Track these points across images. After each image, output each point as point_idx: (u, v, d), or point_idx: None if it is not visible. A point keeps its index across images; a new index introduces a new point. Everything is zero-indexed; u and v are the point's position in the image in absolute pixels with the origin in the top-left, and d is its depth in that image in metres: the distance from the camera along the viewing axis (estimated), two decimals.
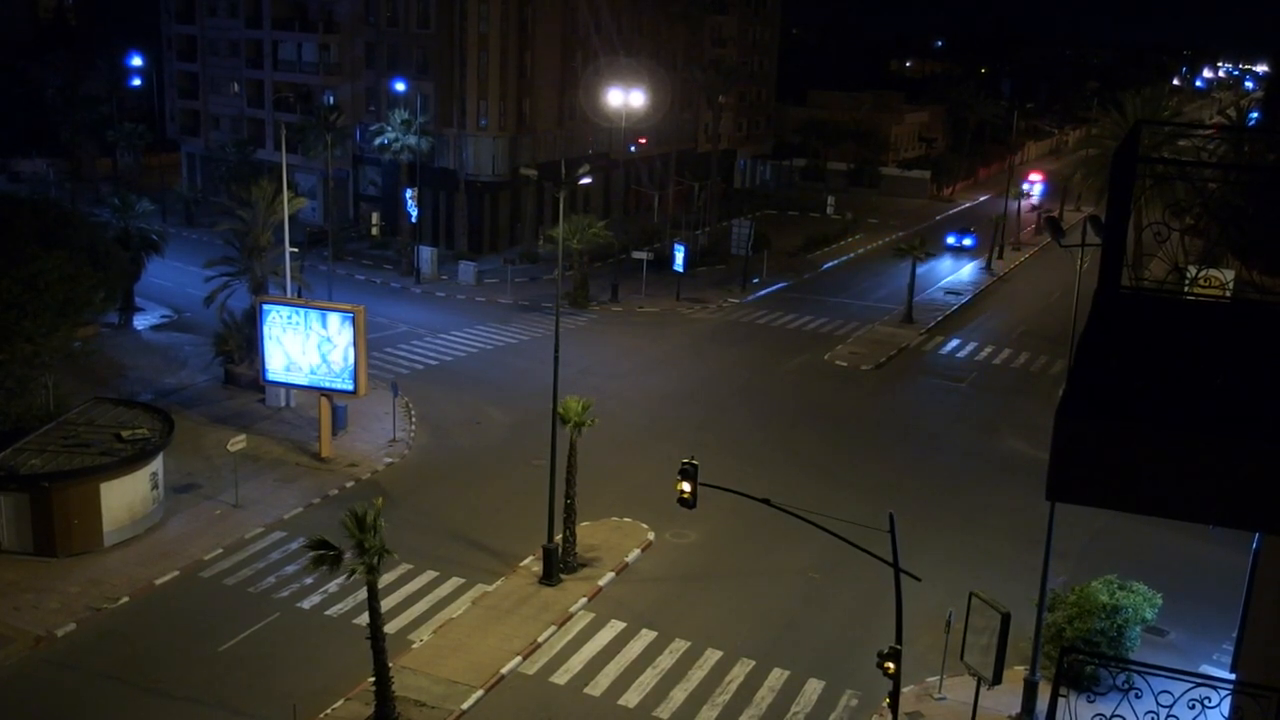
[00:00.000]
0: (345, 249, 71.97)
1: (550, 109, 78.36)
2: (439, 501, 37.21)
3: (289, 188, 46.65)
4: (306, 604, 30.48)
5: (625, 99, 68.91)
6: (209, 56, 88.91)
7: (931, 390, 51.71)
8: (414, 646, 28.52)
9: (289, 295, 44.53)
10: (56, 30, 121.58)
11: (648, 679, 27.69)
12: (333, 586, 30.64)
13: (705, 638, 29.46)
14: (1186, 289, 8.60)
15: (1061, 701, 8.72)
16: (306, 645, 28.59)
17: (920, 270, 65.33)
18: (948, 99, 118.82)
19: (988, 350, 57.76)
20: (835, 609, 31.23)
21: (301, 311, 39.56)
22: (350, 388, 39.31)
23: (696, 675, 27.88)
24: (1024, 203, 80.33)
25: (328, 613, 30.10)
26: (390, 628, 27.00)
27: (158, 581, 31.39)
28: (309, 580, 30.99)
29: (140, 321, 56.42)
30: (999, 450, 44.00)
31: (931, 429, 46.28)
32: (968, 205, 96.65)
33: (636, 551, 34.06)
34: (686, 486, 24.21)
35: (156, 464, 34.83)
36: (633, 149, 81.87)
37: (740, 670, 28.12)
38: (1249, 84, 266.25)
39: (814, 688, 27.42)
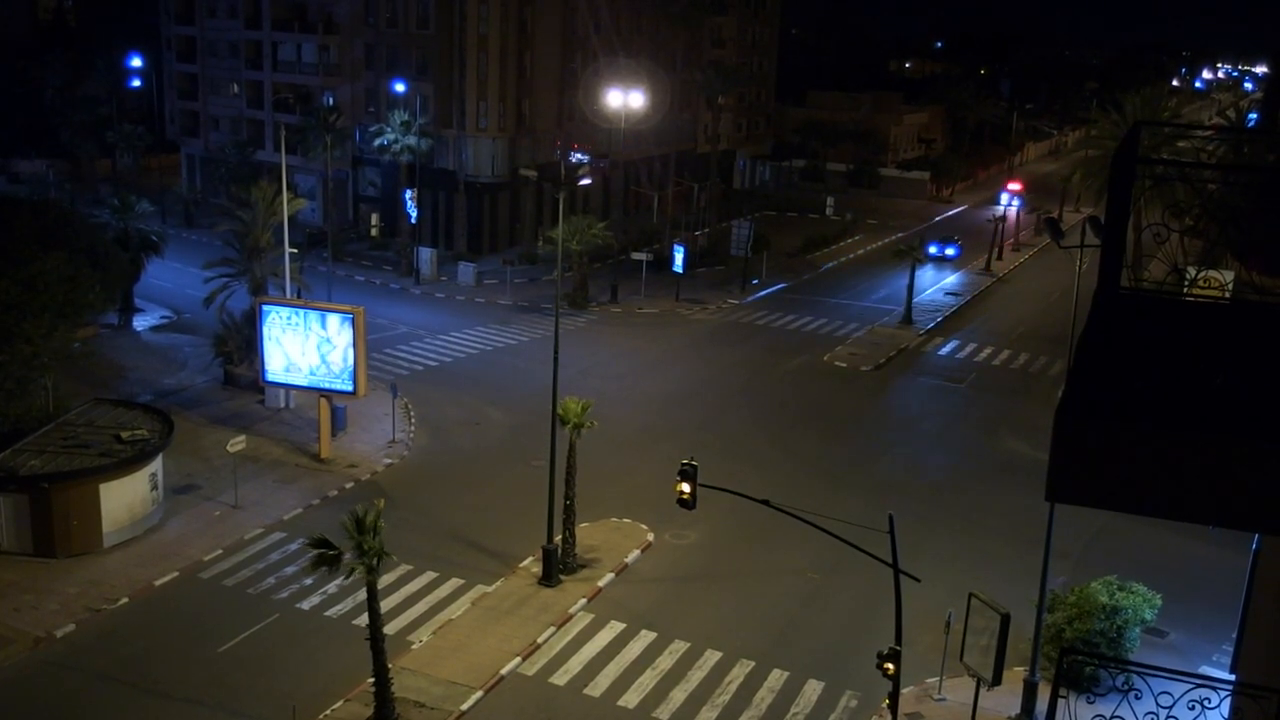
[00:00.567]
0: (345, 250, 71.95)
1: (550, 110, 78.37)
2: (438, 502, 37.20)
3: (288, 189, 46.66)
4: (306, 605, 30.47)
5: (625, 100, 68.93)
6: (208, 57, 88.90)
7: (931, 391, 51.71)
8: (413, 647, 28.52)
9: (288, 296, 44.52)
10: (56, 31, 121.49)
11: (647, 680, 27.69)
12: (332, 587, 30.62)
13: (705, 638, 29.47)
14: (1186, 290, 8.61)
15: (1061, 702, 8.72)
16: (306, 646, 28.59)
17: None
18: (947, 99, 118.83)
19: (987, 351, 57.76)
20: (835, 610, 31.23)
21: (301, 312, 39.55)
22: (350, 389, 39.31)
23: (696, 676, 27.88)
24: (999, 212, 80.00)
25: (327, 614, 30.10)
26: (390, 629, 27.00)
27: (157, 582, 31.39)
28: (308, 581, 30.99)
29: (140, 322, 56.41)
30: (998, 451, 44.00)
31: (931, 430, 46.29)
32: (952, 212, 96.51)
33: (636, 552, 34.06)
34: (686, 487, 24.21)
35: (156, 465, 34.83)
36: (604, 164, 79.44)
37: (740, 671, 28.12)
38: (1248, 85, 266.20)
39: (813, 688, 27.42)
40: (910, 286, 62.52)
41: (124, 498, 33.48)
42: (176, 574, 31.89)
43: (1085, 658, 19.80)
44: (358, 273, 68.99)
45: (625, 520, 36.10)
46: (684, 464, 24.51)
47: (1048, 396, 49.32)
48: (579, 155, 72.22)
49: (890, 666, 21.92)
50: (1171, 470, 6.79)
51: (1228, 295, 8.85)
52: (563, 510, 32.27)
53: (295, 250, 48.58)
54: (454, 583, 31.99)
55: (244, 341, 45.72)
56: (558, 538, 32.28)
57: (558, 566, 32.05)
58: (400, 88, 73.92)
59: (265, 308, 40.17)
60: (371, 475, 39.10)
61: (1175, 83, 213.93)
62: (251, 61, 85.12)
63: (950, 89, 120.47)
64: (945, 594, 28.91)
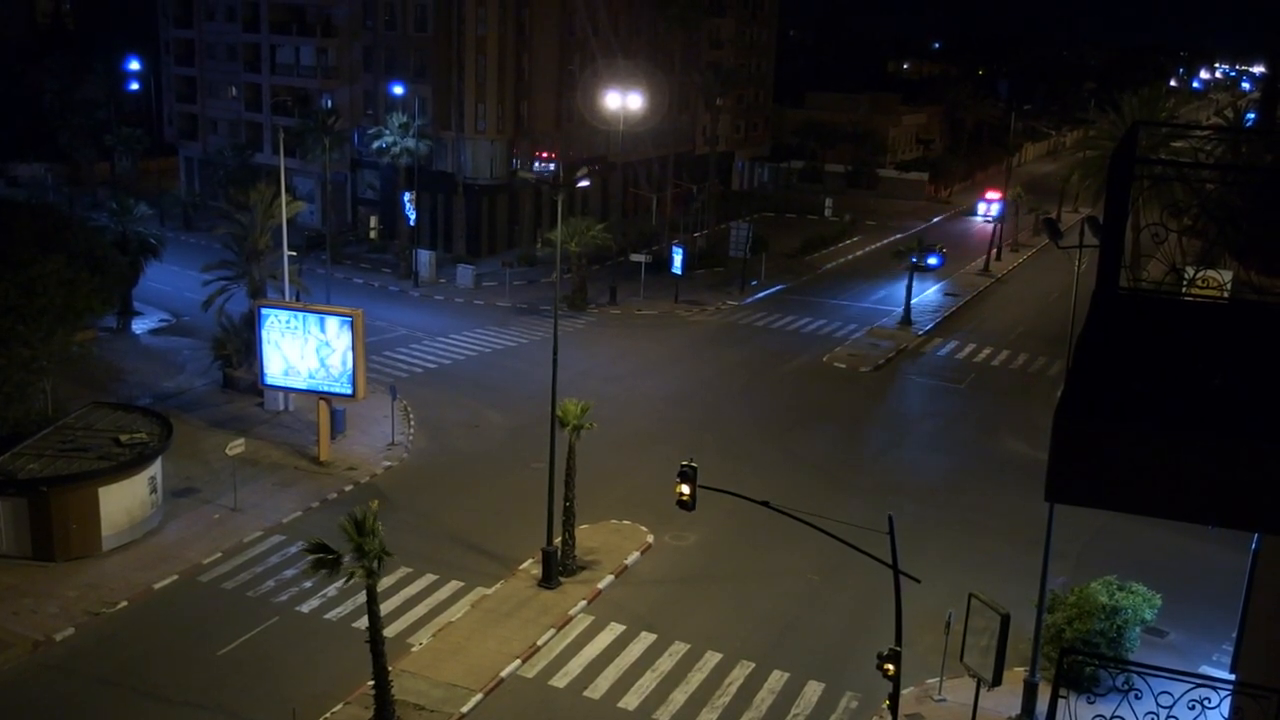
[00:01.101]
0: (343, 252, 71.95)
1: (548, 111, 78.35)
2: (438, 505, 37.18)
3: (287, 191, 46.65)
4: (305, 608, 30.45)
5: (623, 101, 68.91)
6: (207, 60, 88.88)
7: (930, 392, 51.73)
8: (413, 650, 28.51)
9: (287, 299, 44.51)
10: (54, 34, 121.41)
11: (647, 681, 27.67)
12: (332, 590, 30.60)
13: (705, 640, 29.45)
14: (1184, 290, 8.61)
15: (1061, 703, 8.71)
16: (306, 649, 28.57)
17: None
18: (945, 100, 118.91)
19: (986, 351, 57.77)
20: (835, 611, 31.22)
21: (300, 315, 39.52)
22: (349, 391, 39.28)
23: (696, 678, 27.86)
24: (983, 218, 79.95)
25: (327, 616, 30.08)
26: (389, 631, 26.97)
27: (156, 586, 31.36)
28: (308, 584, 30.96)
29: (138, 326, 56.40)
30: (998, 451, 44.00)
31: (930, 430, 46.29)
32: (937, 219, 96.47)
33: (636, 554, 34.04)
34: (685, 489, 24.20)
35: (155, 468, 34.80)
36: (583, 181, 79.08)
37: (740, 672, 28.10)
38: (1245, 85, 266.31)
39: (814, 690, 27.41)
40: (909, 287, 62.53)
41: (123, 501, 33.45)
42: (176, 577, 31.88)
43: (1085, 658, 19.79)
44: (356, 275, 69.00)
45: (625, 522, 36.09)
46: (683, 465, 24.49)
47: (1047, 397, 49.32)
48: (540, 165, 71.91)
49: (890, 667, 21.91)
50: (1171, 470, 6.79)
51: (1226, 295, 8.86)
52: (562, 512, 32.26)
53: (294, 253, 48.57)
54: (454, 585, 31.97)
55: (243, 344, 45.71)
56: (557, 540, 32.25)
57: (557, 568, 32.04)
58: (398, 90, 73.92)
59: (264, 311, 40.15)
60: (371, 478, 39.08)
61: (1173, 83, 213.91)
62: (250, 64, 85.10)
63: (948, 90, 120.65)
64: (945, 594, 28.90)
